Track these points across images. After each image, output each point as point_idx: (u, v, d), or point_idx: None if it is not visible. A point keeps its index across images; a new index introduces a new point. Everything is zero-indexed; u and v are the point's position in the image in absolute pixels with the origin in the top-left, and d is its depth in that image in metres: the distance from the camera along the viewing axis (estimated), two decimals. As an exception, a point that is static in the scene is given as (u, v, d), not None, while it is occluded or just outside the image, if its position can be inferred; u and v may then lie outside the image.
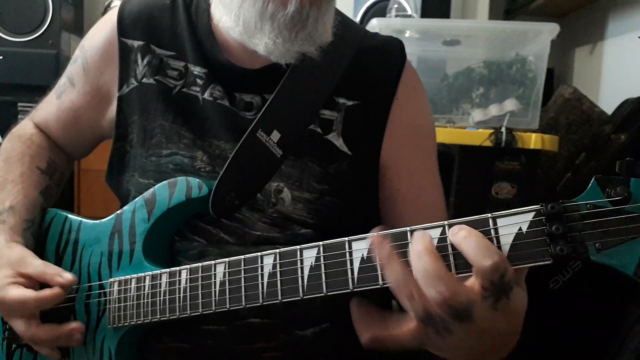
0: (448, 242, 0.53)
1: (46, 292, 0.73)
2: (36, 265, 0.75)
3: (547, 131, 1.61)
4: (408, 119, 0.83)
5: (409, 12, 1.85)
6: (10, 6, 2.17)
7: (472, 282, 0.50)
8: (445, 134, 1.48)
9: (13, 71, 2.13)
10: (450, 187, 1.48)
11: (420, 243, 0.52)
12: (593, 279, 1.35)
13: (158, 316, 0.72)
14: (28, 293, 0.72)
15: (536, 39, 1.58)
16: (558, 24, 1.53)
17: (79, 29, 2.44)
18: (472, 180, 1.49)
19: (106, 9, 2.47)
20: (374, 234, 0.56)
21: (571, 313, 1.37)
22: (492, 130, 1.48)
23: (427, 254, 0.51)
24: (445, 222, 0.53)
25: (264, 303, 0.63)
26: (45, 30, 2.18)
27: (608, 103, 1.73)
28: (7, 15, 2.17)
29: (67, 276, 0.74)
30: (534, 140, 1.46)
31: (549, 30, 1.53)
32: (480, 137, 1.48)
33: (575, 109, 1.67)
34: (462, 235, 0.51)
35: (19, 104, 2.13)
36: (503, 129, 1.47)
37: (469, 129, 1.54)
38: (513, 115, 1.55)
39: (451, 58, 1.72)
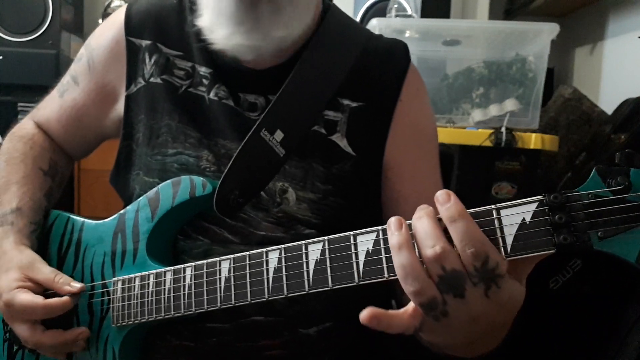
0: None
1: (55, 301, 0.73)
2: (46, 272, 0.76)
3: (547, 131, 1.61)
4: (411, 121, 0.84)
5: (409, 12, 1.85)
6: (10, 6, 2.18)
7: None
8: (445, 134, 1.48)
9: (13, 71, 2.13)
10: (450, 187, 1.47)
11: (422, 210, 0.54)
12: (593, 279, 1.35)
13: (162, 314, 0.72)
14: (37, 300, 0.73)
15: (536, 39, 1.58)
16: (558, 24, 1.53)
17: (79, 29, 2.45)
18: (472, 180, 1.49)
19: (106, 9, 2.47)
20: (380, 227, 0.57)
21: (571, 313, 1.37)
22: (492, 130, 1.48)
23: (427, 217, 0.52)
24: None
25: (270, 298, 0.64)
26: (45, 30, 2.18)
27: (608, 103, 1.73)
28: (7, 15, 2.18)
29: (76, 285, 0.75)
30: (534, 140, 1.46)
31: (549, 30, 1.53)
32: (480, 137, 1.48)
33: (575, 109, 1.67)
34: (450, 217, 0.51)
35: (19, 104, 2.13)
36: (503, 129, 1.47)
37: (469, 129, 1.54)
38: (513, 115, 1.55)
39: (451, 58, 1.72)
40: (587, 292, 1.35)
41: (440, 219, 0.52)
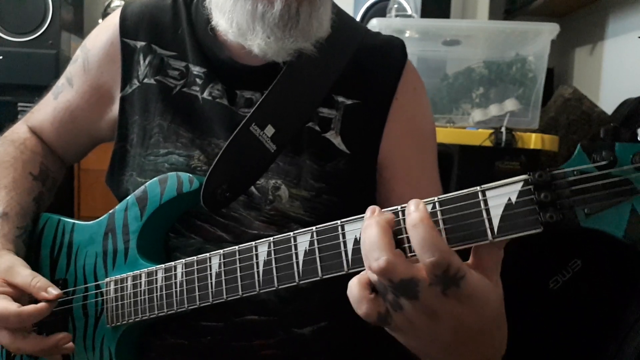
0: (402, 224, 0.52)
1: (28, 309, 0.70)
2: (24, 275, 0.73)
3: (547, 131, 1.60)
4: (407, 120, 0.83)
5: (409, 12, 1.85)
6: (10, 6, 2.17)
7: (421, 266, 0.48)
8: (445, 134, 1.47)
9: (13, 71, 2.13)
10: (450, 187, 1.48)
11: (374, 214, 0.51)
12: (593, 279, 1.35)
13: (156, 312, 0.72)
14: (10, 308, 0.69)
15: (536, 39, 1.58)
16: (558, 24, 1.53)
17: (79, 29, 2.44)
18: (472, 180, 1.48)
19: (106, 9, 2.47)
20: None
21: (571, 313, 1.37)
22: (492, 130, 1.48)
23: (375, 225, 0.50)
24: (436, 198, 0.52)
25: (261, 291, 0.63)
26: (45, 30, 2.18)
27: (608, 103, 1.73)
28: (7, 15, 2.18)
29: (52, 292, 0.72)
30: (534, 140, 1.46)
31: (549, 30, 1.53)
32: (480, 137, 1.48)
33: (575, 109, 1.67)
34: (411, 223, 0.48)
35: (19, 104, 2.13)
36: (503, 129, 1.47)
37: (469, 129, 1.54)
38: (513, 115, 1.55)
39: (451, 58, 1.72)
40: (587, 292, 1.35)
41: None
